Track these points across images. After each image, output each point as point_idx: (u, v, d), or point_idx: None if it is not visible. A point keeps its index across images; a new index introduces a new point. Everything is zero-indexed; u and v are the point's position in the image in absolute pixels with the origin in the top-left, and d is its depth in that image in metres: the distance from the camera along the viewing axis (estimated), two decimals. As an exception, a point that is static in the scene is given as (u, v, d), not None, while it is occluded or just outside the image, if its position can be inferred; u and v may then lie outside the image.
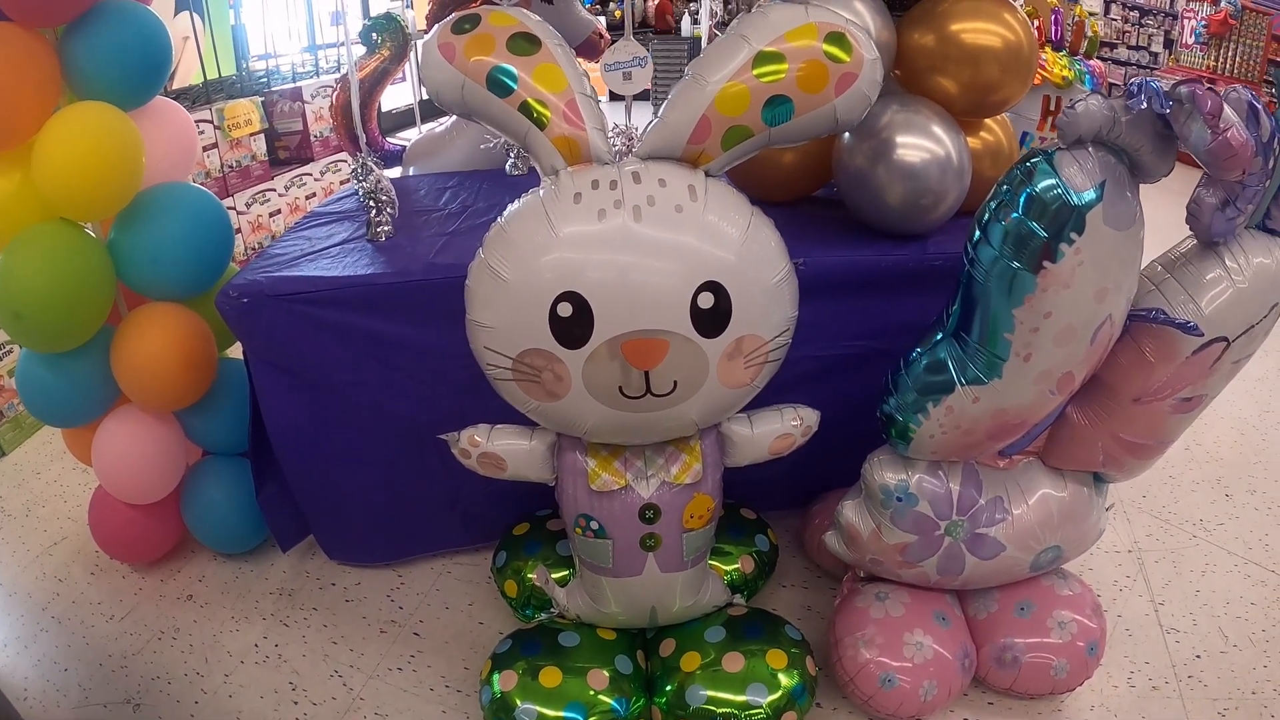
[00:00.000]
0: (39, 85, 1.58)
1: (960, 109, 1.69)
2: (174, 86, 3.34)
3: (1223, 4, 5.94)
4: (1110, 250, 1.20)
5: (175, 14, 3.31)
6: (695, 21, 7.34)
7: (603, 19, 7.27)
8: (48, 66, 1.59)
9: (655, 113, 1.24)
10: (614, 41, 1.84)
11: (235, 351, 1.87)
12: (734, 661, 1.46)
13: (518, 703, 1.42)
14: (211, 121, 3.41)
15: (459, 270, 1.27)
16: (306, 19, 4.43)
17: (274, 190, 3.79)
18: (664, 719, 1.47)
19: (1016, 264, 1.20)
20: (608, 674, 1.47)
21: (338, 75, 3.51)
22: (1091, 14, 6.03)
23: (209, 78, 3.54)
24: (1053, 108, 2.90)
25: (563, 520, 1.53)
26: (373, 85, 2.21)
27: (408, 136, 2.57)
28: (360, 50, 2.19)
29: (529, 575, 1.72)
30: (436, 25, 1.27)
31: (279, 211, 3.82)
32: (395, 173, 2.35)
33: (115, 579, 2.01)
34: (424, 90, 1.28)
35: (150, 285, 1.81)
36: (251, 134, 3.63)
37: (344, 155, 4.07)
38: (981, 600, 1.61)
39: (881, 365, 1.46)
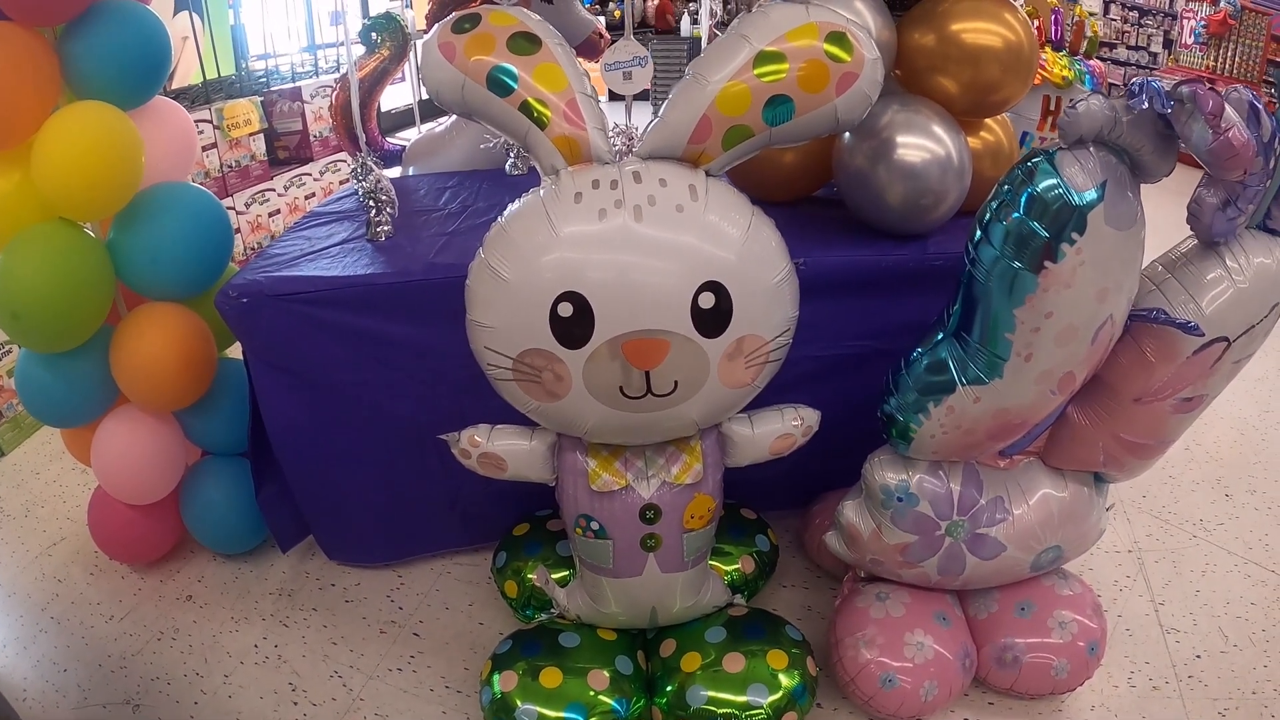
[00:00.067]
0: (38, 85, 1.58)
1: (961, 109, 1.69)
2: (173, 86, 3.34)
3: (1222, 4, 5.94)
4: (1111, 250, 1.20)
5: (174, 14, 3.31)
6: (695, 21, 7.34)
7: (602, 19, 7.27)
8: (47, 66, 1.59)
9: (655, 112, 1.24)
10: (614, 41, 1.84)
11: (235, 351, 1.87)
12: (734, 662, 1.46)
13: (518, 703, 1.42)
14: (211, 121, 3.41)
15: (459, 270, 1.26)
16: (306, 19, 4.43)
17: (273, 190, 3.79)
18: (664, 719, 1.47)
19: (1018, 264, 1.20)
20: (608, 674, 1.47)
21: (337, 75, 3.51)
22: (1091, 14, 6.04)
23: (208, 77, 3.54)
24: (1052, 108, 2.90)
25: (563, 521, 1.52)
26: (372, 85, 2.20)
27: (407, 136, 2.56)
28: (360, 50, 2.19)
29: (529, 576, 1.72)
30: (437, 25, 1.27)
31: (278, 211, 3.81)
32: (395, 172, 2.35)
33: (114, 579, 2.00)
34: (424, 90, 1.27)
35: (149, 285, 1.80)
36: (251, 134, 3.63)
37: (343, 155, 4.07)
38: (982, 600, 1.61)
39: (882, 365, 1.46)
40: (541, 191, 1.21)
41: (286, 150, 4.02)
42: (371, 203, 1.79)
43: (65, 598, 1.96)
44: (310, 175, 4.02)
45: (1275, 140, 1.18)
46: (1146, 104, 1.13)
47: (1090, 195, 1.16)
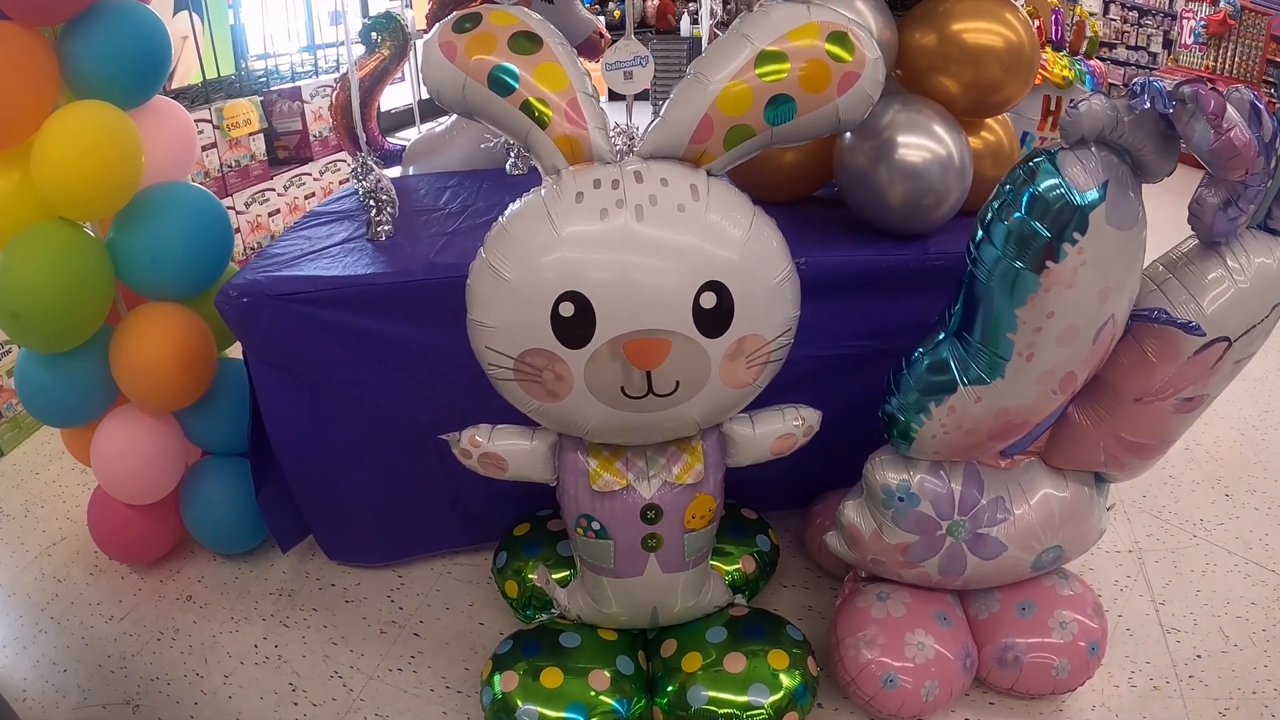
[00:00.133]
0: (38, 84, 1.58)
1: (962, 109, 1.69)
2: (173, 86, 3.33)
3: (1221, 4, 5.95)
4: (1113, 250, 1.20)
5: (174, 13, 3.31)
6: (695, 21, 7.33)
7: (602, 18, 7.26)
8: (47, 65, 1.59)
9: (656, 112, 1.23)
10: (614, 41, 1.84)
11: (235, 351, 1.86)
12: (735, 662, 1.45)
13: (519, 703, 1.42)
14: (210, 121, 3.41)
15: (459, 270, 1.26)
16: (305, 18, 4.43)
17: (273, 190, 3.79)
18: (665, 719, 1.47)
19: (1019, 263, 1.20)
20: (609, 675, 1.47)
21: (337, 75, 3.51)
22: (1091, 14, 6.04)
23: (208, 77, 3.54)
24: (1053, 108, 2.90)
25: (564, 520, 1.52)
26: (372, 85, 2.20)
27: (407, 136, 2.56)
28: (360, 50, 2.19)
29: (530, 576, 1.72)
30: (437, 24, 1.26)
31: (278, 211, 3.81)
32: (395, 172, 2.35)
33: (114, 579, 2.00)
34: (424, 90, 1.27)
35: (149, 285, 1.80)
36: (250, 133, 3.63)
37: (343, 155, 4.07)
38: (983, 600, 1.61)
39: (883, 365, 1.46)
40: (543, 191, 1.21)
41: (286, 150, 4.01)
42: (372, 202, 1.79)
43: (65, 598, 1.96)
44: (310, 175, 4.02)
45: (1276, 140, 1.18)
46: (1148, 104, 1.13)
47: (1092, 195, 1.16)
